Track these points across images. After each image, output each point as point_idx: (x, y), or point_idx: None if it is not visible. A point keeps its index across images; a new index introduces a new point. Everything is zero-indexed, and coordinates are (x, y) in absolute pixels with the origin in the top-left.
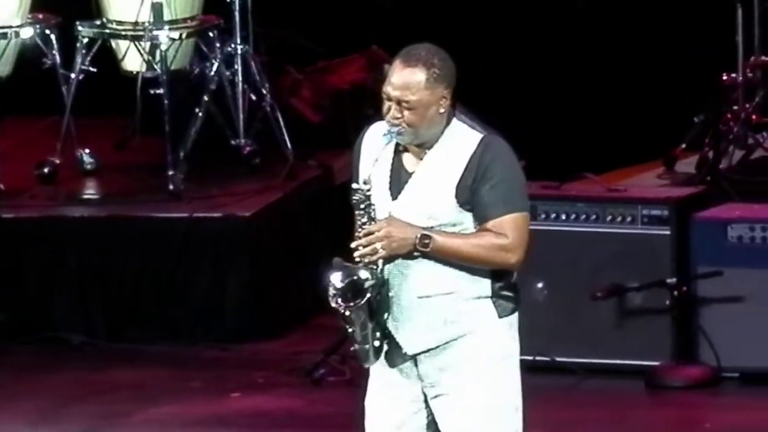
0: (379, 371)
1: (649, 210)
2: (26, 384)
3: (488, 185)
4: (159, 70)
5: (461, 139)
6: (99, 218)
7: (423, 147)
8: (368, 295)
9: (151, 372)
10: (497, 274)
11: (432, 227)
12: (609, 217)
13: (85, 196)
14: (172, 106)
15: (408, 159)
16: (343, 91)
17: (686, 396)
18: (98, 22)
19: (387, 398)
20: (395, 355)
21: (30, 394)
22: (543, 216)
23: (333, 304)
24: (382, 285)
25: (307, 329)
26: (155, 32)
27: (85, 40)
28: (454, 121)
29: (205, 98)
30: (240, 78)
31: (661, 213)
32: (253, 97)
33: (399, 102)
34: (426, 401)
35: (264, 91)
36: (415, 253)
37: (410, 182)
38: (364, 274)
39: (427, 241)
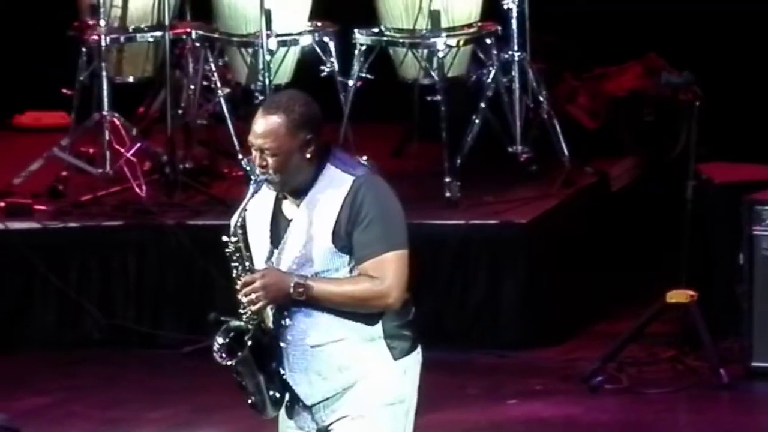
0: (280, 422)
1: None
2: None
3: (361, 227)
4: (436, 77)
5: (334, 183)
6: None
7: (299, 194)
8: (247, 346)
9: (425, 378)
10: (389, 313)
11: (316, 273)
12: None
13: None
14: (449, 113)
15: (287, 206)
16: (620, 98)
17: None
18: (376, 30)
19: None
20: (293, 406)
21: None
22: None
23: (218, 360)
24: (264, 335)
25: (584, 336)
26: (433, 39)
27: (363, 48)
28: (328, 165)
29: (482, 105)
30: (517, 85)
31: None
32: (530, 104)
33: (261, 150)
34: None
35: (541, 98)
36: (298, 300)
37: (289, 229)
38: (242, 326)
39: (301, 290)
